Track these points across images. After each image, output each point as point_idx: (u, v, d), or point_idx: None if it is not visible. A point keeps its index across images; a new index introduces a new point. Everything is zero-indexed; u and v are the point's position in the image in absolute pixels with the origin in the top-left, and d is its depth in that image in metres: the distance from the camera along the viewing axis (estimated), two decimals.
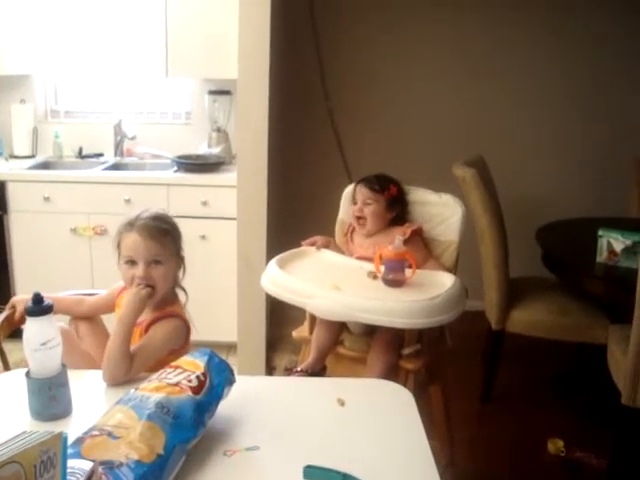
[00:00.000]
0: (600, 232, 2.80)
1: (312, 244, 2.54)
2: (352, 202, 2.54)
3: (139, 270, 1.76)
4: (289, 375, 2.26)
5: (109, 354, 1.62)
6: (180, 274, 1.90)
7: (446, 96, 4.13)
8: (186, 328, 1.83)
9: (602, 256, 2.80)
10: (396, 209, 2.50)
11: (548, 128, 4.18)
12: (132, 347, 1.67)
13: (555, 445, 2.82)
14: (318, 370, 2.27)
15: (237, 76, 3.03)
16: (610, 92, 4.10)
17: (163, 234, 1.80)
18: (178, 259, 1.86)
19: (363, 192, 2.48)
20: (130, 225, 1.80)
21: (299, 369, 2.27)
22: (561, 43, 4.05)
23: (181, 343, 1.81)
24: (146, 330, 1.78)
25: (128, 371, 1.60)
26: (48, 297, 1.46)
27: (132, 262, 1.78)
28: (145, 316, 1.80)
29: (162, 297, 1.82)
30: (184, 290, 1.92)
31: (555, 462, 2.77)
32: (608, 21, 3.99)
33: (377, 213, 2.46)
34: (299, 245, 2.53)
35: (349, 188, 2.64)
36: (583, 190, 4.15)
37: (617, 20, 3.98)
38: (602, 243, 2.79)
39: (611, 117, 4.13)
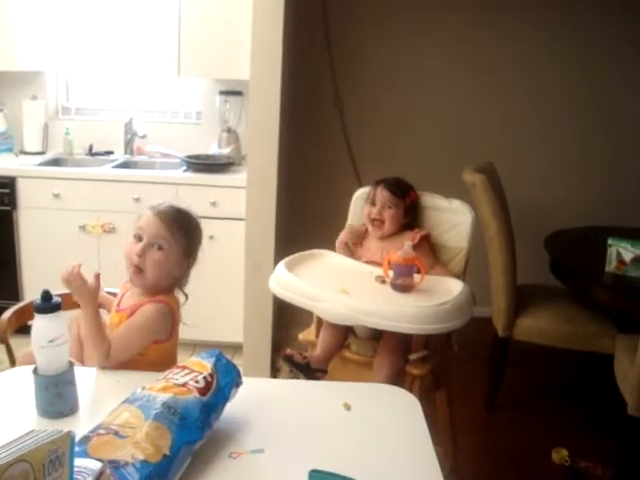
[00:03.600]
0: (609, 241, 2.79)
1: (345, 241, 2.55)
2: (369, 202, 2.51)
3: (139, 245, 1.78)
4: (289, 356, 2.24)
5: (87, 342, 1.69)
6: (183, 276, 1.89)
7: (457, 100, 4.12)
8: (172, 318, 1.81)
9: (611, 265, 2.79)
10: (411, 215, 2.51)
11: (558, 135, 4.17)
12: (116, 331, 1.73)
13: (559, 454, 2.80)
14: (318, 368, 2.25)
15: (249, 77, 3.03)
16: (621, 98, 4.09)
17: (177, 224, 1.81)
18: (184, 259, 1.84)
19: (385, 195, 2.47)
20: (154, 208, 1.84)
21: (302, 353, 2.26)
22: (575, 49, 4.04)
23: (166, 334, 1.79)
24: (131, 314, 1.78)
25: (106, 355, 1.64)
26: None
27: (139, 238, 1.80)
28: (133, 301, 1.82)
29: (155, 286, 1.81)
30: (185, 294, 1.91)
31: (559, 472, 2.75)
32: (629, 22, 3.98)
33: (396, 218, 2.47)
34: (307, 247, 2.53)
35: (359, 192, 2.63)
36: (593, 198, 4.14)
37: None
38: (611, 252, 2.78)
39: (622, 124, 4.12)
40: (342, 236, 2.57)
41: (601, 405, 3.14)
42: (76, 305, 1.89)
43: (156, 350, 1.78)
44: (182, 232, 1.83)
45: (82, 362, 1.93)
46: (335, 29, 4.02)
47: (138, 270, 1.78)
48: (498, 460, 2.82)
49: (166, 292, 1.84)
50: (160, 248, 1.78)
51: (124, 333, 1.72)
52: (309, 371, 2.21)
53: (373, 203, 2.50)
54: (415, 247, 2.29)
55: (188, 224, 1.87)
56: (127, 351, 1.69)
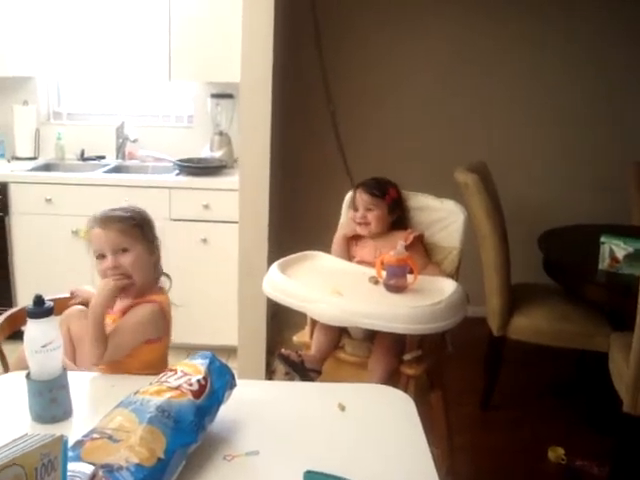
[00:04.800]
0: (602, 239, 2.80)
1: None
2: (353, 208, 2.54)
3: (108, 261, 1.79)
4: (285, 356, 2.24)
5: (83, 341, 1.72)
6: (158, 261, 1.90)
7: (449, 101, 4.13)
8: (164, 317, 1.81)
9: (604, 263, 2.80)
10: (397, 211, 2.51)
11: (551, 134, 4.18)
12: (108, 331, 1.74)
13: (555, 453, 2.80)
14: (312, 368, 2.25)
15: (240, 80, 3.03)
16: (614, 97, 4.10)
17: (122, 221, 1.82)
18: (149, 245, 1.85)
19: (364, 198, 2.48)
20: (94, 222, 1.85)
21: (297, 352, 2.26)
22: (565, 48, 4.05)
23: (158, 333, 1.80)
24: (122, 316, 1.80)
25: (101, 355, 1.68)
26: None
27: (102, 256, 1.81)
28: (124, 303, 1.83)
29: (143, 286, 1.82)
30: (167, 276, 1.93)
31: (555, 470, 2.75)
32: (613, 25, 3.99)
33: (380, 217, 2.47)
34: (301, 249, 2.52)
35: (350, 194, 2.63)
36: (586, 196, 4.15)
37: (623, 24, 3.99)
38: (604, 250, 2.79)
39: (615, 123, 4.13)
40: (338, 235, 2.58)
41: (596, 403, 3.15)
42: None
43: (148, 351, 1.79)
44: (129, 224, 1.83)
45: (74, 361, 1.92)
46: (326, 31, 4.02)
47: (127, 279, 1.79)
48: (494, 459, 2.82)
49: (153, 289, 1.85)
50: (125, 250, 1.80)
51: (116, 334, 1.74)
52: (303, 370, 2.21)
53: (356, 208, 2.51)
54: (409, 247, 2.29)
55: (131, 214, 1.86)
56: (119, 351, 1.72)
